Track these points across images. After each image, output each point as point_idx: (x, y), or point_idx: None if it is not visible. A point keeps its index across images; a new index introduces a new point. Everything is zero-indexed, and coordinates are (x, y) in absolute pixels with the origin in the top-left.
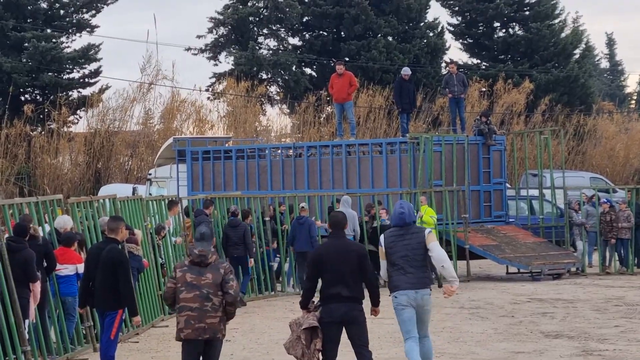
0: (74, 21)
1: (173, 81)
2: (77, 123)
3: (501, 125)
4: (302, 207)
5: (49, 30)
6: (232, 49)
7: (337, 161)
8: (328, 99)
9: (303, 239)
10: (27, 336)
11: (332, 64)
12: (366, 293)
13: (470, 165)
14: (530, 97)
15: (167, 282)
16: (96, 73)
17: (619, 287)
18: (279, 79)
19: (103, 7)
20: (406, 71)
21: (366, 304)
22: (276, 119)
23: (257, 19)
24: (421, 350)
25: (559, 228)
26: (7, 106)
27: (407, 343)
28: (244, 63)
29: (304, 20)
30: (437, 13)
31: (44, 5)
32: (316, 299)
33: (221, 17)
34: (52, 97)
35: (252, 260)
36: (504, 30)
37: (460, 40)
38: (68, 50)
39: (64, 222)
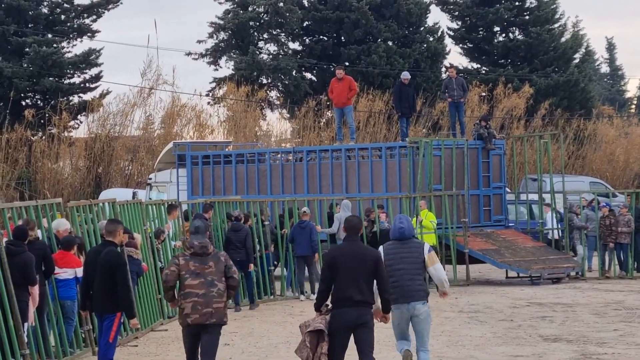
0: (75, 26)
1: (173, 86)
2: (78, 128)
3: (501, 129)
4: (304, 211)
5: (49, 35)
6: (232, 54)
7: (337, 165)
8: (328, 103)
9: (304, 243)
10: (26, 339)
11: (332, 69)
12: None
13: (469, 170)
14: (530, 102)
15: (168, 266)
16: (97, 78)
17: (619, 291)
18: (279, 84)
19: (104, 12)
20: (406, 75)
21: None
22: (276, 123)
23: (258, 23)
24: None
25: (559, 232)
26: (8, 111)
27: (398, 343)
28: (244, 68)
29: (304, 25)
30: (437, 18)
31: (45, 10)
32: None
33: (221, 22)
34: (52, 102)
35: (252, 265)
36: (503, 35)
37: (460, 45)
38: (69, 55)
39: (58, 224)
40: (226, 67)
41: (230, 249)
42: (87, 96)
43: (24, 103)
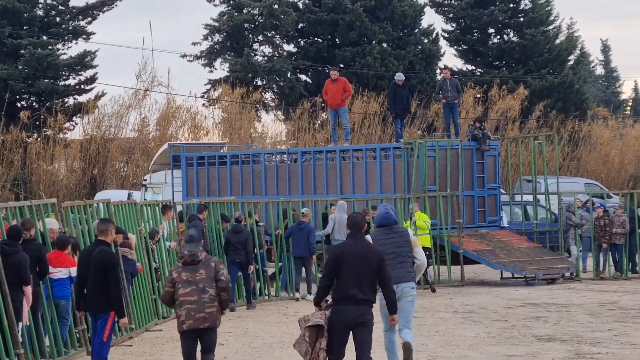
0: (70, 28)
1: (168, 88)
2: (73, 129)
3: (496, 131)
4: (303, 212)
5: (45, 37)
6: (227, 56)
7: (331, 167)
8: (323, 105)
9: (302, 244)
10: (20, 339)
11: (327, 71)
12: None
13: (464, 171)
14: (524, 103)
15: (164, 286)
16: (92, 80)
17: (613, 292)
18: (274, 86)
19: (99, 14)
20: (400, 77)
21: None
22: (271, 125)
23: (252, 25)
24: (400, 336)
25: (553, 233)
26: (3, 113)
27: (386, 336)
28: (239, 70)
29: (299, 27)
30: (432, 19)
31: (40, 12)
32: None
33: (216, 24)
34: (48, 103)
35: (251, 267)
36: (498, 37)
37: (455, 47)
38: (64, 57)
39: (47, 224)
40: (221, 69)
41: (230, 251)
42: (82, 98)
43: (19, 105)
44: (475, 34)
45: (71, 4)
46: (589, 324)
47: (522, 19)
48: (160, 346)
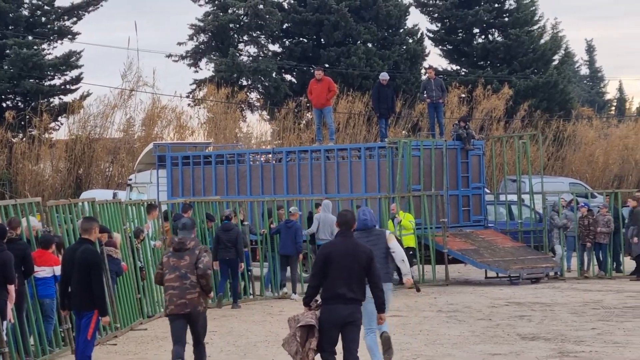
0: (55, 28)
1: (154, 88)
2: (59, 130)
3: (481, 131)
4: (291, 211)
5: (30, 37)
6: (212, 56)
7: (316, 166)
8: (308, 105)
9: (289, 242)
10: (5, 338)
11: (312, 71)
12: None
13: (448, 170)
14: (509, 103)
15: (157, 267)
16: (77, 80)
17: (597, 291)
18: (259, 86)
19: (84, 15)
20: (384, 76)
21: None
22: (256, 125)
23: (237, 26)
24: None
25: (538, 233)
26: None
27: (367, 337)
28: (224, 70)
29: (284, 27)
30: (417, 19)
31: (26, 12)
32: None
33: (201, 24)
34: (33, 103)
35: (242, 264)
36: (483, 37)
37: (440, 47)
38: (49, 57)
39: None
40: (206, 69)
41: (220, 249)
42: (68, 98)
43: (4, 105)
44: (460, 34)
45: (56, 4)
46: (572, 323)
47: (506, 19)
48: (145, 345)
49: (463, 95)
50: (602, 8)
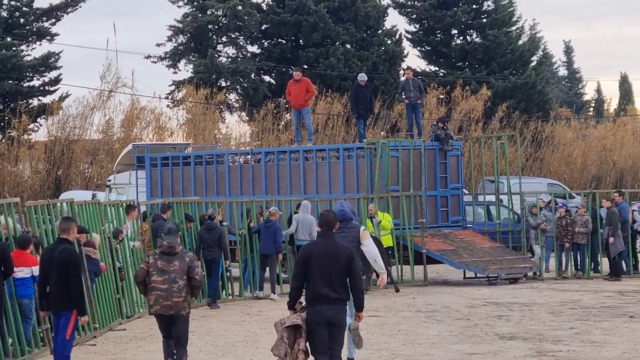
0: (34, 29)
1: (133, 89)
2: (38, 131)
3: (459, 131)
4: (271, 211)
5: (9, 39)
6: (191, 57)
7: (295, 167)
8: (287, 106)
9: (268, 242)
10: None
11: (291, 71)
12: None
13: (427, 171)
14: (487, 104)
15: (140, 264)
16: (56, 81)
17: (575, 291)
18: (237, 87)
19: (63, 16)
20: (362, 77)
21: None
22: (235, 126)
23: (216, 27)
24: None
25: (516, 233)
26: None
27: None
28: (203, 71)
29: (263, 28)
30: (395, 21)
31: (4, 13)
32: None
33: (180, 26)
34: (12, 104)
35: (228, 261)
36: (461, 38)
37: (418, 48)
38: (28, 58)
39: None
40: (185, 70)
41: (203, 248)
42: (47, 99)
43: None
44: (438, 35)
45: (35, 5)
46: (550, 323)
47: (485, 20)
48: (124, 345)
49: (441, 96)
50: (580, 9)
